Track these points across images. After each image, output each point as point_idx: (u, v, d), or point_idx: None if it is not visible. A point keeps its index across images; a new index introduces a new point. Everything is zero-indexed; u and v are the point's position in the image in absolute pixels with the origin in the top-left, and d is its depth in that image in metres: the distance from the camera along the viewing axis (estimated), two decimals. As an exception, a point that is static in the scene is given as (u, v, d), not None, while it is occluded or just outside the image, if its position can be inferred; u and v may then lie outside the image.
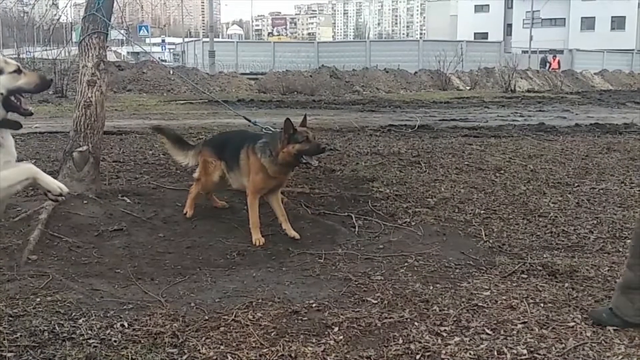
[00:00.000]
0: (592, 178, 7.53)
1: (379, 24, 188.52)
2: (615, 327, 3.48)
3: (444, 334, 3.39)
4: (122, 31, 11.76)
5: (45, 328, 3.36)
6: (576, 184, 7.16)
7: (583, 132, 12.37)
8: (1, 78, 3.23)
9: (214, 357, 3.14)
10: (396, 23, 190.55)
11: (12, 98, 3.26)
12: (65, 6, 9.40)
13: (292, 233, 5.19)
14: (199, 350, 3.19)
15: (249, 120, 5.88)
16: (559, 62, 39.80)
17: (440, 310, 3.70)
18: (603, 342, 3.32)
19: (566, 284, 4.13)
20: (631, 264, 3.60)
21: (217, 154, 5.55)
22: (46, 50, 21.01)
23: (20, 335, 3.28)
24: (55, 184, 3.36)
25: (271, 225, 5.32)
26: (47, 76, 3.56)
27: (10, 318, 3.48)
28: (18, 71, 3.28)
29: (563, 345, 3.28)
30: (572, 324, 3.53)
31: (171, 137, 6.05)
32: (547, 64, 39.85)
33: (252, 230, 5.11)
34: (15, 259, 4.45)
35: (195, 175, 5.75)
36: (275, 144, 5.01)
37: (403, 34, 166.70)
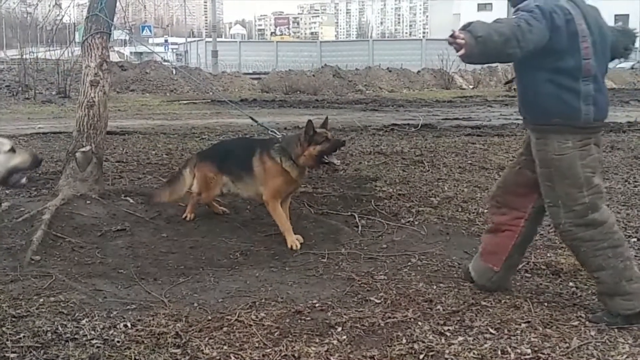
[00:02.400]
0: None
1: (381, 23, 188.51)
2: (619, 327, 3.47)
3: (448, 334, 3.38)
4: (125, 31, 11.76)
5: (49, 329, 3.36)
6: (580, 183, 7.12)
7: (586, 130, 12.32)
8: None
9: (217, 358, 3.13)
10: (399, 22, 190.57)
11: (6, 176, 3.27)
12: (68, 6, 9.44)
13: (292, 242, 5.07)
14: (202, 350, 3.19)
15: (256, 122, 5.84)
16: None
17: (443, 310, 3.69)
18: (607, 341, 3.31)
19: (570, 283, 4.13)
20: (596, 269, 3.59)
21: (218, 167, 5.39)
22: (49, 50, 21.04)
23: (24, 336, 3.28)
24: None
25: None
26: (38, 154, 3.51)
27: (14, 319, 3.48)
28: (12, 150, 3.28)
29: (567, 344, 3.27)
30: (576, 323, 3.52)
31: (166, 191, 5.69)
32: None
33: (285, 235, 5.00)
34: (19, 259, 4.45)
35: (194, 189, 5.52)
36: (293, 148, 4.97)
37: (406, 32, 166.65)
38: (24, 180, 3.36)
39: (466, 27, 3.27)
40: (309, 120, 4.99)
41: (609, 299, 3.58)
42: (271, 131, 5.39)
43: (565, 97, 3.50)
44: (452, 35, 3.25)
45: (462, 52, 3.22)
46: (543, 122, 3.61)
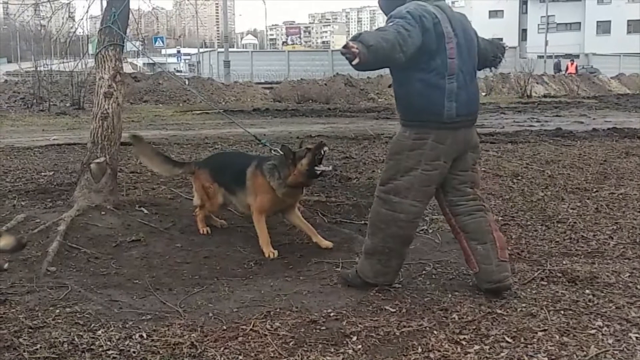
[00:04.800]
0: (610, 183, 7.47)
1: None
2: (635, 335, 3.45)
3: (464, 343, 3.36)
4: (136, 43, 11.83)
5: (65, 339, 3.37)
6: (595, 190, 7.10)
7: (601, 136, 12.27)
8: None
9: (233, 368, 3.13)
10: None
11: None
12: (82, 19, 9.54)
13: (325, 243, 5.15)
14: (218, 360, 3.19)
15: (259, 140, 5.86)
16: (576, 67, 39.46)
17: (459, 319, 3.67)
18: (625, 349, 3.28)
19: (586, 291, 4.08)
20: (369, 233, 4.17)
21: (214, 177, 5.46)
22: (63, 62, 21.23)
23: (40, 347, 3.29)
24: None
25: (288, 234, 5.32)
26: (22, 239, 3.71)
27: (30, 330, 3.49)
28: None
29: (584, 352, 3.24)
30: (593, 331, 3.49)
31: (148, 150, 5.93)
32: (565, 68, 39.55)
33: (263, 247, 5.04)
34: (35, 270, 4.47)
35: (196, 202, 5.62)
36: (282, 169, 4.99)
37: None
38: (5, 265, 3.72)
39: (357, 38, 3.57)
40: (283, 145, 5.09)
41: (362, 258, 4.20)
42: (274, 151, 5.41)
43: (431, 94, 3.85)
44: (345, 46, 3.52)
45: (356, 60, 3.48)
46: (412, 118, 3.97)
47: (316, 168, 4.89)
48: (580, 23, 63.34)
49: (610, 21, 61.52)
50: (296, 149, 5.05)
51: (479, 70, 4.35)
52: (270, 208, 5.14)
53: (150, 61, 40.89)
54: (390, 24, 3.76)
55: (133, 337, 3.43)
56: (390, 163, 4.07)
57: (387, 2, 4.12)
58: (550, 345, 3.31)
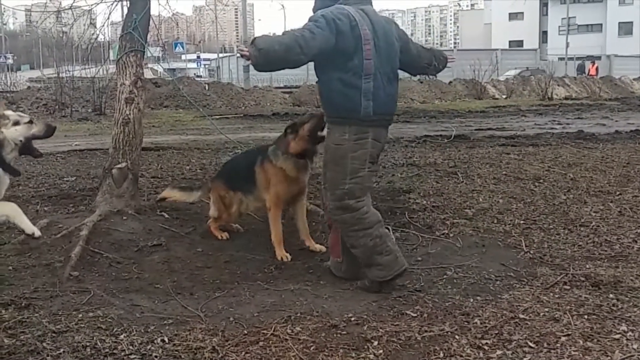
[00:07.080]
0: (634, 186, 7.38)
1: (412, 34, 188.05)
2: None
3: (486, 347, 3.34)
4: (156, 49, 11.90)
5: (88, 344, 3.40)
6: (618, 192, 7.02)
7: (623, 139, 12.15)
8: (18, 128, 4.00)
9: (254, 372, 3.13)
10: (429, 33, 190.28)
11: (27, 144, 4.07)
12: (103, 25, 9.56)
13: (316, 247, 5.19)
14: (239, 365, 3.19)
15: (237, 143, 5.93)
16: (597, 69, 39.08)
17: (481, 323, 3.64)
18: (651, 354, 3.24)
19: (610, 295, 4.04)
20: (352, 245, 4.29)
21: (230, 185, 5.51)
22: (85, 69, 21.42)
23: (63, 351, 3.32)
24: (30, 228, 4.10)
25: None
26: (52, 124, 4.47)
27: (54, 334, 3.52)
28: (30, 122, 4.07)
29: (609, 357, 3.21)
30: (617, 336, 3.45)
31: (175, 190, 6.23)
32: (587, 70, 39.21)
33: (275, 246, 5.08)
34: (58, 275, 4.51)
35: (212, 213, 5.62)
36: (283, 142, 5.03)
37: (437, 43, 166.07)
38: (39, 151, 4.32)
39: (253, 42, 3.89)
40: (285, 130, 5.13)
41: (368, 269, 4.26)
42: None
43: (349, 92, 4.08)
44: (240, 49, 3.97)
45: (249, 62, 3.89)
46: (333, 115, 4.22)
47: (319, 133, 4.87)
48: (601, 24, 62.77)
49: (632, 22, 60.89)
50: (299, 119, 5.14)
51: (414, 75, 4.67)
52: (285, 193, 5.12)
53: (170, 67, 41.22)
54: (302, 27, 4.02)
55: (155, 341, 3.45)
56: (336, 169, 4.21)
57: (317, 4, 4.30)
58: (574, 351, 3.28)
